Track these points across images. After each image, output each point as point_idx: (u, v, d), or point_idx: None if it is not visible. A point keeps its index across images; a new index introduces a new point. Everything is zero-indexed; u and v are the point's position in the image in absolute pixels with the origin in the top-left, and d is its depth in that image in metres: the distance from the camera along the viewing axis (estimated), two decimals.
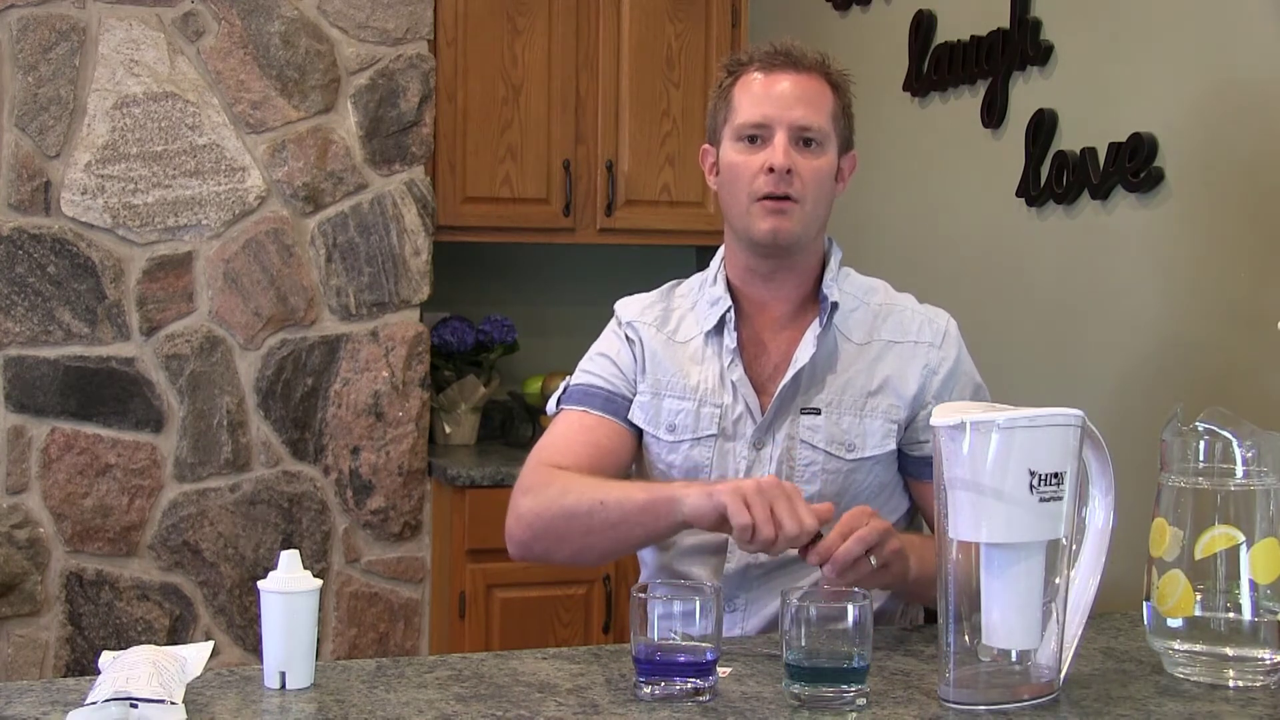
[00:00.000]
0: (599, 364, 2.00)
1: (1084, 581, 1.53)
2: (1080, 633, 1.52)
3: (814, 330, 1.91)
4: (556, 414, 2.01)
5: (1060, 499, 1.43)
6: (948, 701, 1.44)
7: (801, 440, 1.90)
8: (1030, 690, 1.46)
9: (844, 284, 1.97)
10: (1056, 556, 1.46)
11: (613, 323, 2.05)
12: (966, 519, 1.44)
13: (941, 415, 1.46)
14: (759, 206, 1.87)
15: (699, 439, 1.93)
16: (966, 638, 1.47)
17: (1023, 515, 1.42)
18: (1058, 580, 1.46)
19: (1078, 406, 1.48)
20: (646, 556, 2.00)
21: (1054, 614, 1.46)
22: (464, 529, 3.41)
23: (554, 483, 1.85)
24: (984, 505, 1.43)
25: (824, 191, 1.91)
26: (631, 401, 1.97)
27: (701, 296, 2.00)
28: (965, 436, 1.42)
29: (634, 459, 2.00)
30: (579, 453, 1.92)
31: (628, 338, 2.01)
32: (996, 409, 1.46)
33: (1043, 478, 1.42)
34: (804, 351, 1.90)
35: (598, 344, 2.04)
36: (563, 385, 2.03)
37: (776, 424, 1.91)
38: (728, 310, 1.94)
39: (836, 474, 1.90)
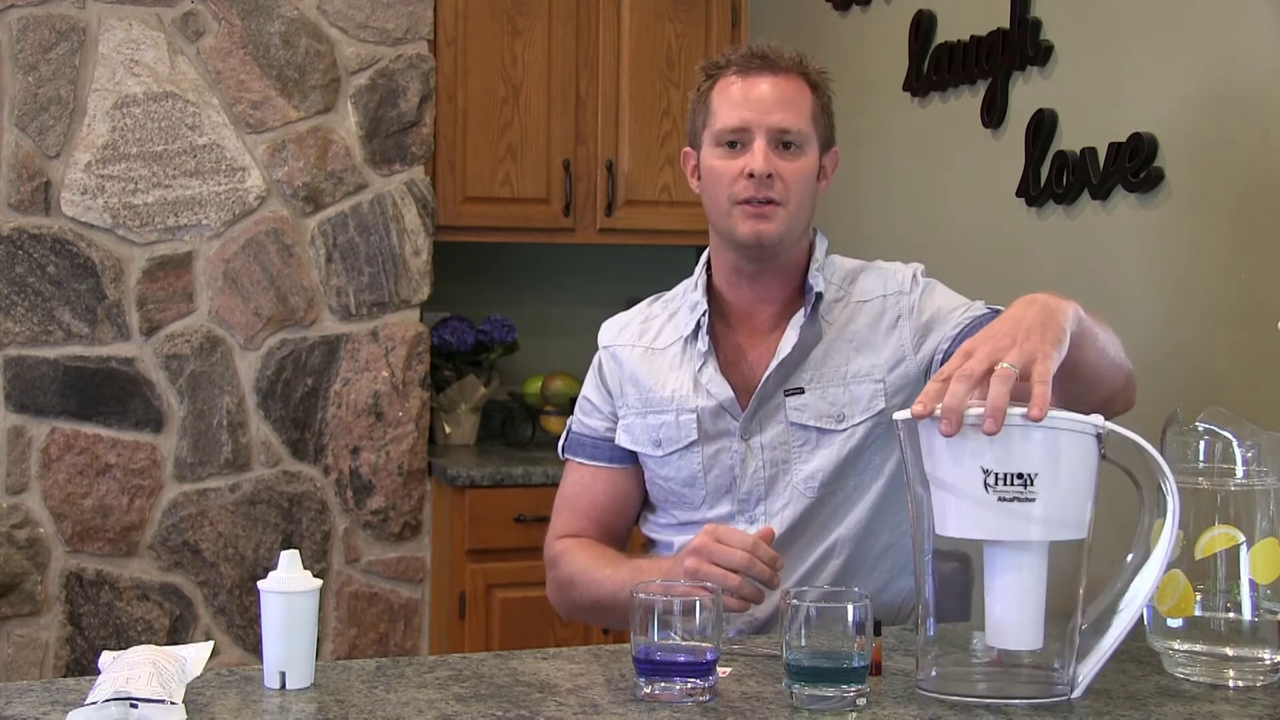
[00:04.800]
0: (583, 408, 2.09)
1: (1131, 610, 1.47)
2: (1110, 653, 1.47)
3: (798, 320, 1.93)
4: (565, 463, 2.11)
5: (1030, 500, 1.39)
6: (925, 691, 1.46)
7: (791, 422, 1.92)
8: (1030, 690, 1.45)
9: (829, 273, 1.98)
10: (1067, 559, 1.45)
11: (596, 355, 2.10)
12: (928, 511, 1.45)
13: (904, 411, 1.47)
14: (740, 210, 1.90)
15: (685, 448, 1.97)
16: (954, 631, 1.47)
17: (982, 513, 1.40)
18: (1076, 584, 1.45)
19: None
20: (673, 546, 2.02)
21: (1076, 617, 1.45)
22: (464, 529, 3.41)
23: (562, 565, 2.01)
24: (942, 499, 1.43)
25: (806, 192, 1.93)
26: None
27: (684, 302, 2.03)
28: (919, 429, 1.44)
29: (642, 484, 2.06)
30: (585, 516, 2.05)
31: (602, 365, 2.07)
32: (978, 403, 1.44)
33: (1000, 477, 1.39)
34: (788, 341, 1.92)
35: (585, 383, 2.12)
36: (566, 428, 2.12)
37: (763, 412, 1.93)
38: (703, 314, 1.96)
39: (831, 446, 1.91)
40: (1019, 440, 1.39)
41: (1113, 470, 1.47)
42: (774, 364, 1.92)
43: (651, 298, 2.11)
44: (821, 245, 2.00)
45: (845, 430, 1.91)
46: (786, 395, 1.93)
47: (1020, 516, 1.40)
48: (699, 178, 1.98)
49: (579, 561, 1.99)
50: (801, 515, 1.92)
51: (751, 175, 1.87)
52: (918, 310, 1.94)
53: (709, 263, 2.02)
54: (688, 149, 2.01)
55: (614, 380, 2.04)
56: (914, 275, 1.97)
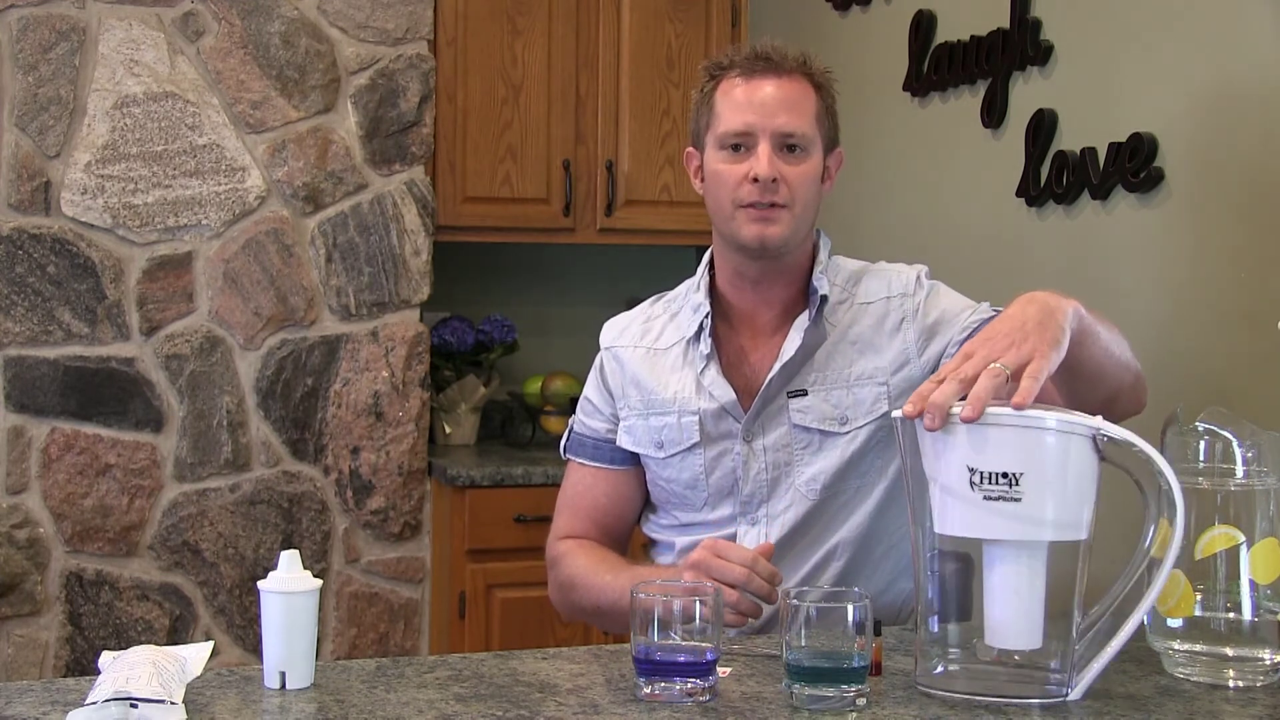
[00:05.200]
0: (585, 409, 2.09)
1: (1134, 613, 1.47)
2: (1112, 656, 1.48)
3: (801, 323, 1.92)
4: (567, 462, 2.11)
5: (1016, 500, 1.40)
6: (923, 687, 1.45)
7: (794, 424, 1.92)
8: (1029, 690, 1.45)
9: (832, 275, 1.98)
10: (1067, 560, 1.45)
11: (598, 356, 2.10)
12: (926, 509, 1.45)
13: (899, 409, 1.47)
14: (744, 213, 1.89)
15: (687, 449, 1.96)
16: (954, 630, 1.47)
17: (971, 511, 1.41)
18: (1076, 585, 1.45)
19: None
20: (675, 547, 2.02)
21: (1075, 617, 1.45)
22: (464, 529, 3.41)
23: (562, 567, 2.02)
24: (938, 497, 1.43)
25: (811, 195, 1.92)
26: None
27: (686, 303, 2.03)
28: (916, 427, 1.44)
29: (643, 485, 2.06)
30: (586, 517, 2.06)
31: (604, 366, 2.07)
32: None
33: (984, 475, 1.40)
34: (791, 344, 1.92)
35: (587, 384, 2.11)
36: (568, 428, 2.12)
37: (766, 414, 1.93)
38: (706, 316, 1.96)
39: (834, 448, 1.91)
40: (1000, 438, 1.40)
41: (1115, 471, 1.47)
42: (777, 366, 1.91)
43: (653, 298, 2.10)
44: (825, 247, 1.99)
45: (848, 432, 1.91)
46: (790, 397, 1.92)
47: (1008, 516, 1.41)
48: (703, 179, 1.97)
49: (580, 565, 1.99)
50: (803, 517, 1.92)
51: (756, 180, 1.87)
52: (922, 313, 1.93)
53: (711, 263, 2.02)
54: (691, 149, 2.00)
55: (615, 381, 2.04)
56: (918, 277, 1.97)
